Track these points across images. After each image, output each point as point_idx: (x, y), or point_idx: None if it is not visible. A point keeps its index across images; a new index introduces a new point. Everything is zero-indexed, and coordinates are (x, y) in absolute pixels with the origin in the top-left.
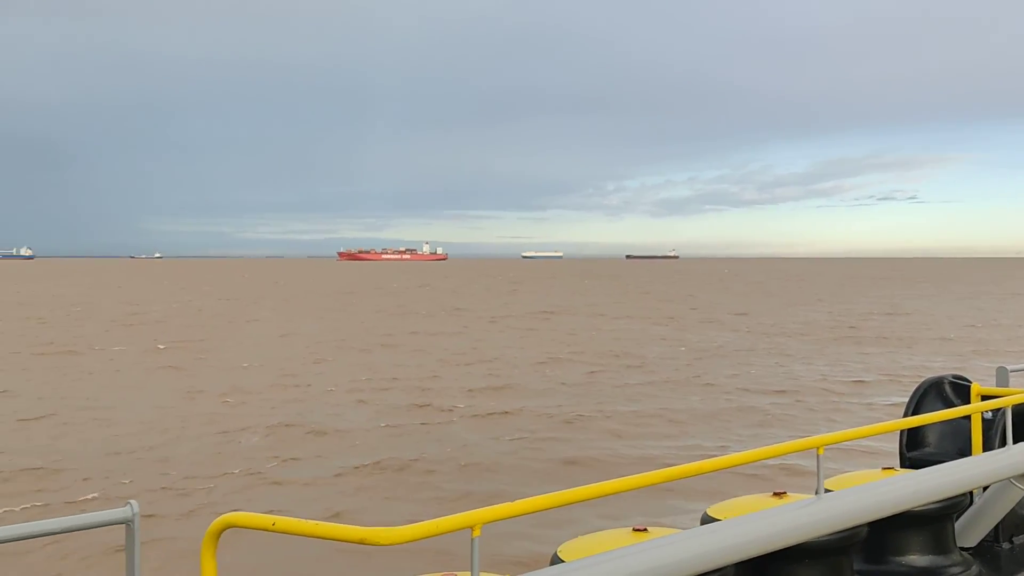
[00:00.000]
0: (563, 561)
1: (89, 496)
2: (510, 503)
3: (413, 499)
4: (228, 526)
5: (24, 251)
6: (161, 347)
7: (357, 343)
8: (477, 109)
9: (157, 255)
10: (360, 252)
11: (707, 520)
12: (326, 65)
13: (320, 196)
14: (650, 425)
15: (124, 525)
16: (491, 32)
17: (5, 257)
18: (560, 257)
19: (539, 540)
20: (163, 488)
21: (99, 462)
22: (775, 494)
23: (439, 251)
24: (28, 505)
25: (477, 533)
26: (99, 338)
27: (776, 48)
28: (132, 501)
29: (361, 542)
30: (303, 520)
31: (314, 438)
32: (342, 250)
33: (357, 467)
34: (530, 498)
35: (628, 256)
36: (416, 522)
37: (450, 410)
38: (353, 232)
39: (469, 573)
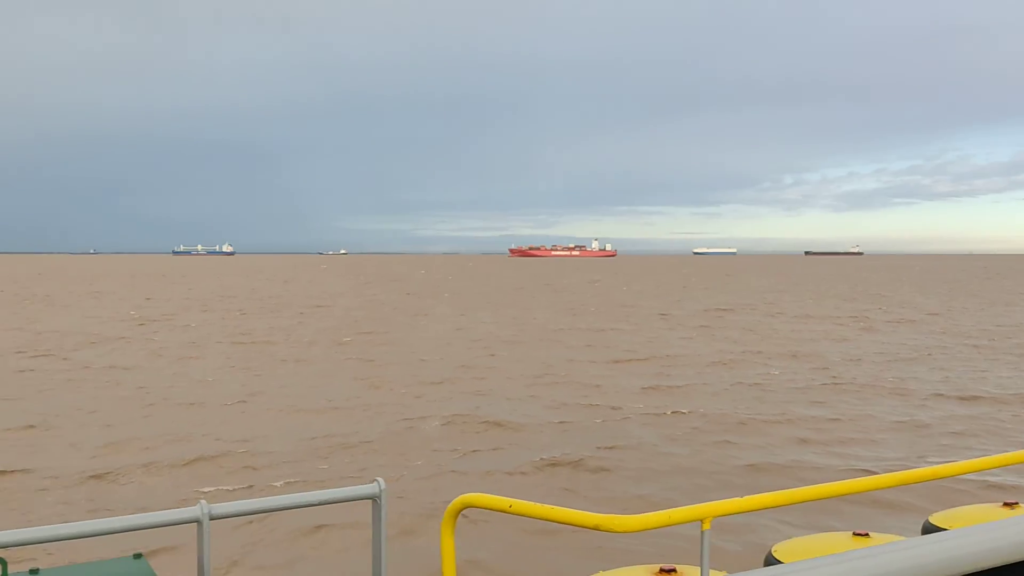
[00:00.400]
0: (779, 562)
1: (292, 480)
2: (740, 498)
3: (590, 497)
4: (466, 506)
5: (226, 247)
6: (347, 339)
7: (529, 338)
8: (650, 105)
9: (343, 251)
10: (531, 248)
11: (930, 528)
12: (504, 70)
13: (494, 194)
14: (835, 431)
15: (371, 500)
16: (666, 29)
17: (209, 253)
18: (734, 253)
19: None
20: (352, 476)
21: (295, 447)
22: (1006, 504)
23: (608, 247)
24: (234, 487)
25: (707, 526)
26: (292, 329)
27: (971, 30)
28: (379, 479)
29: (596, 528)
30: (539, 504)
31: (490, 430)
32: (513, 247)
33: (534, 462)
34: (760, 495)
35: (807, 252)
36: (648, 512)
37: (623, 408)
38: (525, 229)
39: (699, 567)
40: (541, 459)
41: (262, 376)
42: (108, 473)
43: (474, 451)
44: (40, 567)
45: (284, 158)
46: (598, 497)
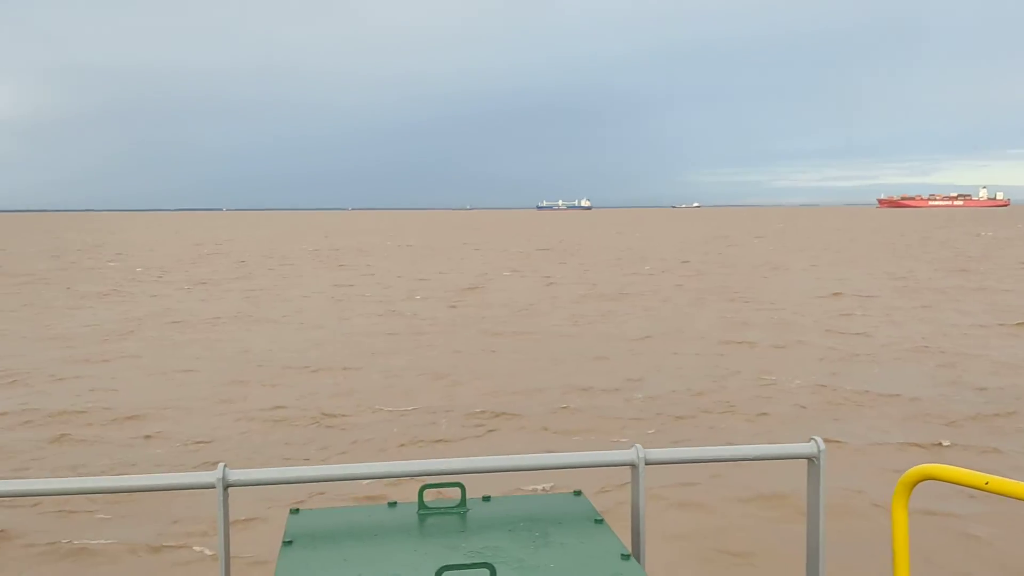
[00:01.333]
0: None
1: (650, 431)
2: None
3: None
4: (925, 478)
5: (584, 202)
6: (710, 297)
7: (904, 297)
8: None
9: (695, 204)
10: (903, 198)
11: None
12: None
13: (859, 140)
14: None
15: (807, 460)
16: None
17: (569, 207)
18: None
19: None
20: (709, 429)
21: (656, 403)
22: None
23: (999, 196)
24: (655, 430)
25: None
26: (641, 282)
27: None
28: (816, 437)
29: None
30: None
31: (861, 399)
32: (882, 196)
33: (922, 443)
34: None
35: None
36: None
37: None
38: (895, 177)
39: None
40: (934, 442)
41: (619, 327)
42: (566, 409)
43: (835, 419)
44: (492, 495)
45: (642, 112)
46: None
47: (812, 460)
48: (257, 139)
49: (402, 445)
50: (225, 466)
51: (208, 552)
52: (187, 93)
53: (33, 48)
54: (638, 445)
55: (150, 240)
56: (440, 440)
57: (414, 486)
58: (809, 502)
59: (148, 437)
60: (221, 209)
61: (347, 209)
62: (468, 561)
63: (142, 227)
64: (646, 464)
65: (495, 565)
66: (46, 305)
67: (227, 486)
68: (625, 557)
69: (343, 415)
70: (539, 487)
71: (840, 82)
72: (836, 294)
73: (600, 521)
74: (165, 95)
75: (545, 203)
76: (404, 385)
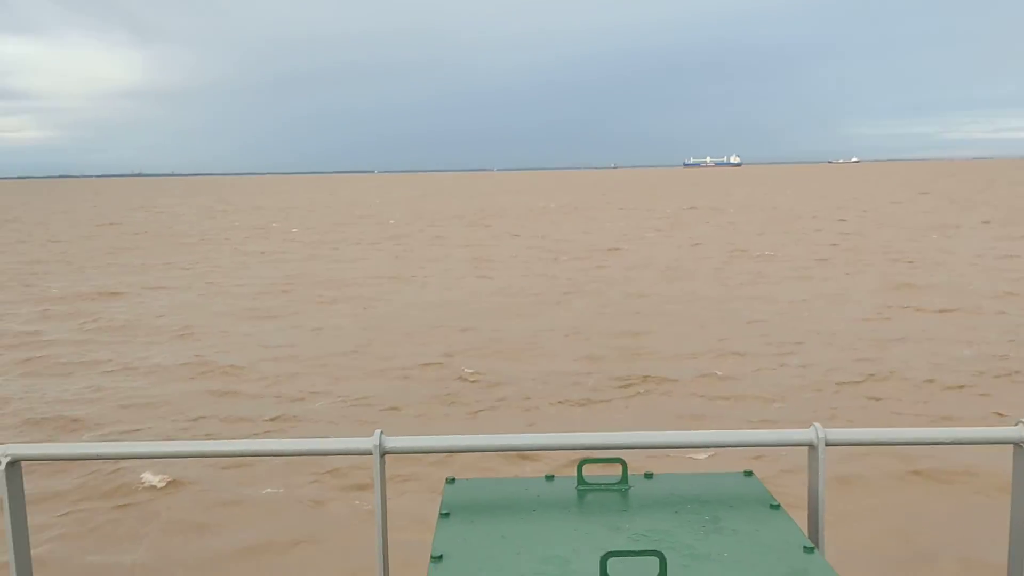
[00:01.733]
0: None
1: (806, 396)
2: None
3: None
4: None
5: (733, 159)
6: (866, 261)
7: None
8: None
9: (854, 159)
10: None
11: None
12: None
13: None
14: None
15: (1014, 446)
16: None
17: (718, 164)
18: None
19: None
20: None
21: (814, 370)
22: None
23: None
24: (811, 395)
25: None
26: (793, 243)
27: None
28: None
29: None
30: None
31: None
32: None
33: None
34: None
35: None
36: None
37: None
38: None
39: None
40: None
41: (771, 290)
42: (716, 375)
43: (1013, 391)
44: (654, 472)
45: (795, 65)
46: None
47: (1021, 445)
48: (408, 102)
49: (551, 404)
50: (382, 433)
51: (365, 508)
52: (343, 59)
53: (204, 20)
54: (817, 424)
55: (307, 202)
56: (587, 400)
57: (566, 453)
58: (1014, 493)
59: (312, 393)
60: (373, 171)
61: (493, 170)
62: (633, 546)
63: (300, 189)
64: (826, 445)
65: (664, 552)
66: (215, 264)
67: (383, 453)
68: (808, 550)
69: (491, 373)
70: (691, 458)
71: (1020, 22)
72: (1011, 256)
73: (776, 507)
74: (323, 63)
75: (692, 160)
76: (550, 345)
